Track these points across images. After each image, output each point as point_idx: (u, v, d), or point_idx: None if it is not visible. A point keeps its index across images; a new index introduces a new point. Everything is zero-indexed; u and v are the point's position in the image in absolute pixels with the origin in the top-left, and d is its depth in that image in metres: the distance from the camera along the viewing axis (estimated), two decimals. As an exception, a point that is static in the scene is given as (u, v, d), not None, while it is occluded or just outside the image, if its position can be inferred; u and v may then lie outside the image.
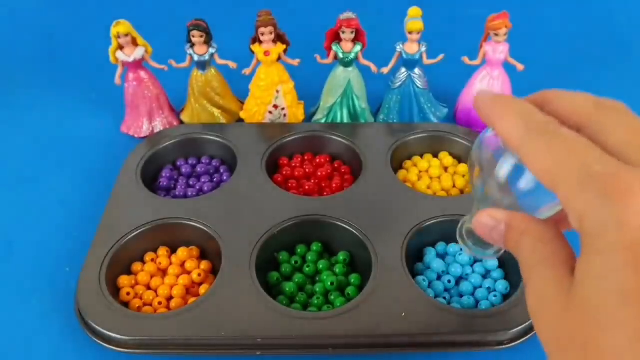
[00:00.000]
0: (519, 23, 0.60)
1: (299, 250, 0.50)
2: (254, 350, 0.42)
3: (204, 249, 0.50)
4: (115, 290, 0.46)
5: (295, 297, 0.47)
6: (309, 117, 0.65)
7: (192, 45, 0.59)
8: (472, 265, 0.49)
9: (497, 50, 0.59)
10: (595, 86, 0.71)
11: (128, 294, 0.46)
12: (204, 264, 0.49)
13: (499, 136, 0.24)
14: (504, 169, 0.24)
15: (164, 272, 0.49)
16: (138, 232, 0.49)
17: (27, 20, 0.86)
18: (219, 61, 0.60)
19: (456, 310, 0.44)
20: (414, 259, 0.50)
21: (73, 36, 0.81)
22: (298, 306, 0.46)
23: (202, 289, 0.47)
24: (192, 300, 0.45)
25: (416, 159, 0.59)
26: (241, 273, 0.45)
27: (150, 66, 0.60)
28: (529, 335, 0.42)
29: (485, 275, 0.48)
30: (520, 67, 0.60)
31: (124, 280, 0.47)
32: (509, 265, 0.48)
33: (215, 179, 0.57)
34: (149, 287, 0.48)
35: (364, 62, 0.59)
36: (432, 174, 0.57)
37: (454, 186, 0.56)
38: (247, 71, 0.60)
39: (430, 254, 0.49)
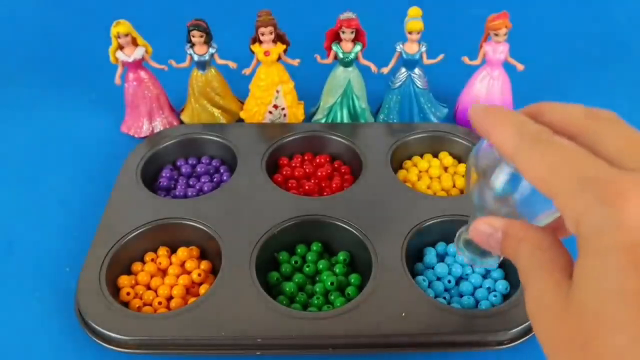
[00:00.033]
0: (519, 23, 0.60)
1: (299, 250, 0.50)
2: (254, 350, 0.42)
3: (204, 249, 0.50)
4: (115, 290, 0.46)
5: (295, 297, 0.47)
6: (309, 117, 0.65)
7: (192, 45, 0.59)
8: (472, 265, 0.49)
9: (497, 50, 0.59)
10: (594, 86, 0.72)
11: (128, 294, 0.46)
12: (204, 264, 0.49)
13: (494, 146, 0.24)
14: (500, 178, 0.25)
15: (164, 272, 0.49)
16: (138, 232, 0.49)
17: (27, 20, 0.86)
18: (219, 61, 0.60)
19: (456, 310, 0.44)
20: (414, 259, 0.50)
21: (73, 36, 0.81)
22: (298, 306, 0.46)
23: (202, 289, 0.47)
24: (192, 300, 0.45)
25: (416, 159, 0.59)
26: (241, 273, 0.45)
27: (150, 66, 0.60)
28: (529, 335, 0.42)
29: (485, 275, 0.48)
30: (520, 67, 0.60)
31: (124, 280, 0.47)
32: (509, 265, 0.48)
33: (215, 179, 0.57)
34: (149, 287, 0.48)
35: (364, 62, 0.59)
36: (432, 174, 0.57)
37: (454, 186, 0.56)
38: (247, 71, 0.60)
39: (430, 254, 0.49)
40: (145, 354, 0.42)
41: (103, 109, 0.67)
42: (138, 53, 0.58)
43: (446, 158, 0.58)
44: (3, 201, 0.57)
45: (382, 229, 0.48)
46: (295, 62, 0.59)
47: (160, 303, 0.46)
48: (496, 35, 0.58)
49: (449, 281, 0.47)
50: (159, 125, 0.63)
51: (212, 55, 0.59)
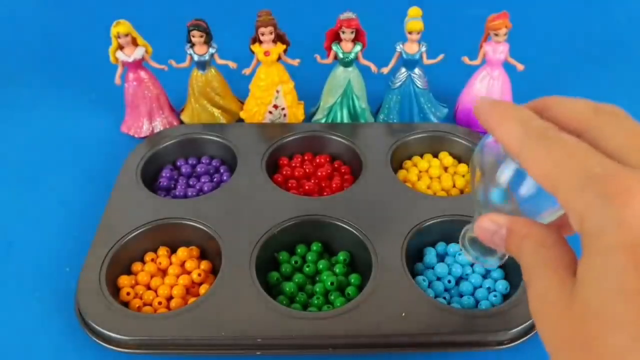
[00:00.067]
0: (519, 23, 0.60)
1: (299, 250, 0.50)
2: (254, 350, 0.42)
3: (204, 249, 0.50)
4: (115, 290, 0.46)
5: (295, 297, 0.47)
6: (309, 117, 0.65)
7: (192, 45, 0.59)
8: (472, 265, 0.49)
9: (497, 50, 0.59)
10: (595, 86, 0.72)
11: (128, 294, 0.46)
12: (204, 264, 0.49)
13: (498, 142, 0.24)
14: (505, 174, 0.24)
15: (164, 272, 0.49)
16: (138, 232, 0.49)
17: (27, 20, 0.86)
18: (219, 61, 0.60)
19: (456, 310, 0.44)
20: (414, 259, 0.50)
21: (73, 36, 0.81)
22: (298, 306, 0.46)
23: (202, 289, 0.47)
24: (192, 300, 0.45)
25: (416, 159, 0.59)
26: (241, 273, 0.45)
27: (150, 66, 0.61)
28: (529, 335, 0.42)
29: (485, 275, 0.48)
30: (520, 67, 0.60)
31: (124, 280, 0.47)
32: (509, 265, 0.48)
33: (215, 179, 0.57)
34: (149, 287, 0.48)
35: (364, 62, 0.59)
36: (432, 174, 0.57)
37: (454, 186, 0.56)
38: (247, 71, 0.60)
39: (430, 254, 0.49)
40: (145, 354, 0.42)
41: (103, 109, 0.67)
42: (138, 53, 0.58)
43: (446, 158, 0.58)
44: (3, 201, 0.57)
45: (382, 229, 0.48)
46: (295, 62, 0.59)
47: (160, 303, 0.46)
48: (496, 35, 0.58)
49: (449, 281, 0.47)
50: (159, 125, 0.63)
51: (212, 55, 0.59)
